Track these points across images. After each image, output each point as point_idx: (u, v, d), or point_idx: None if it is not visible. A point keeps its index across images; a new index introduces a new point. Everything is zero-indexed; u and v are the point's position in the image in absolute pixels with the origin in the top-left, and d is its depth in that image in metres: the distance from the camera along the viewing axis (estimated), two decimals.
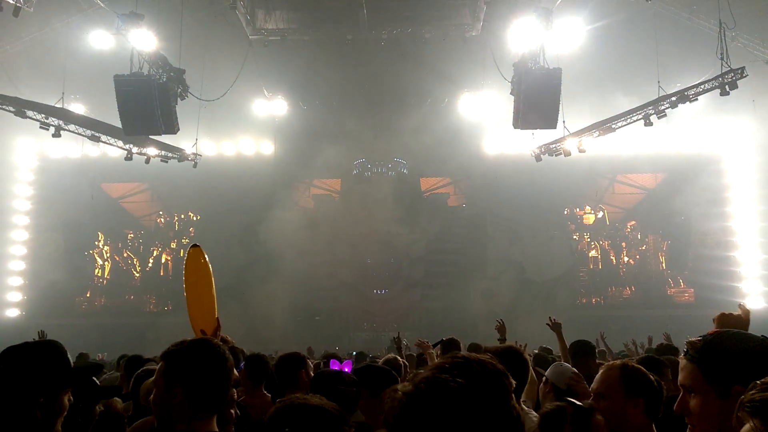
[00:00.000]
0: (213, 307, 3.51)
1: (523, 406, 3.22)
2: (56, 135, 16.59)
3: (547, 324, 6.01)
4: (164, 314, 23.66)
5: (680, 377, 1.83)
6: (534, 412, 3.16)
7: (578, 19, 14.05)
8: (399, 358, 5.48)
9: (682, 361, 1.83)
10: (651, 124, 16.03)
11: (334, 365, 3.34)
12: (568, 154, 17.76)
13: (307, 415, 1.97)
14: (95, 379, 2.46)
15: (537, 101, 13.51)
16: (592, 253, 25.63)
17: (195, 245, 3.70)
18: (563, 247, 24.14)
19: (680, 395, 1.82)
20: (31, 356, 2.03)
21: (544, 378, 3.57)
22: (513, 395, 1.32)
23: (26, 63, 17.07)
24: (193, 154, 19.59)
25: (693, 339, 1.83)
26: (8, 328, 21.23)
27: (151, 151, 18.55)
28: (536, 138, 18.64)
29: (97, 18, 14.52)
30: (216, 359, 2.11)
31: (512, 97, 14.16)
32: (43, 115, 16.10)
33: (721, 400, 1.69)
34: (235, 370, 2.22)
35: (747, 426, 1.30)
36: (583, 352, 5.20)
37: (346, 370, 3.21)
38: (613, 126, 16.90)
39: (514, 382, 1.35)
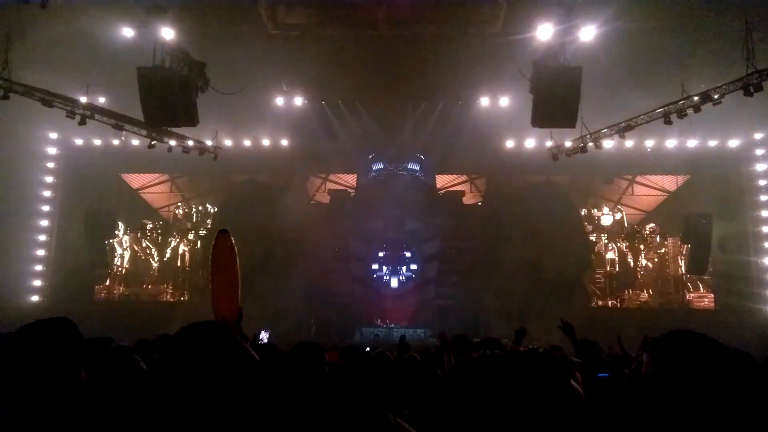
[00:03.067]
0: (237, 296, 3.46)
1: None
2: (82, 123, 17.04)
3: (559, 326, 5.94)
4: (181, 304, 23.97)
5: (644, 371, 1.91)
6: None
7: (600, 17, 13.92)
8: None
9: (647, 356, 1.92)
10: (671, 122, 15.87)
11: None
12: (584, 150, 17.66)
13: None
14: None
15: (556, 100, 13.42)
16: (610, 254, 25.42)
17: (224, 230, 3.65)
18: (580, 248, 23.96)
19: None
20: (51, 333, 2.10)
21: None
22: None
23: (51, 54, 17.29)
24: (213, 146, 19.83)
25: (655, 336, 1.97)
26: (29, 313, 21.57)
27: (173, 142, 18.87)
28: (554, 137, 18.54)
29: (121, 11, 14.67)
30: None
31: (531, 95, 14.09)
32: (69, 104, 16.51)
33: None
34: None
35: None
36: (589, 354, 5.12)
37: None
38: (633, 124, 16.76)
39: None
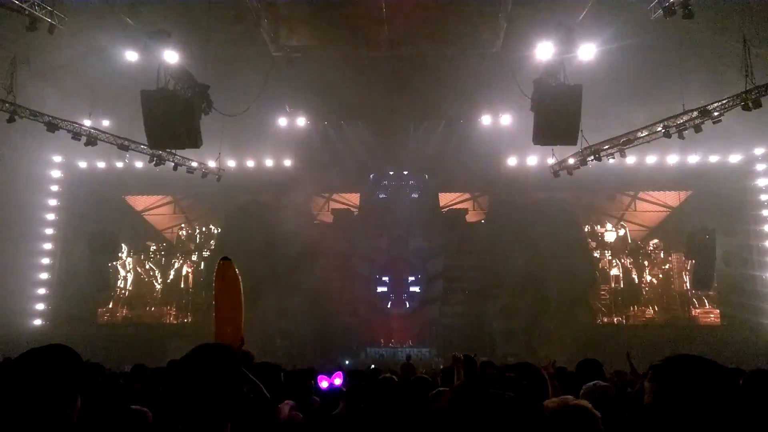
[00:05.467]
0: (240, 324, 3.45)
1: None
2: (92, 143, 17.18)
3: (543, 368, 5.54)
4: (184, 326, 23.91)
5: (648, 399, 1.86)
6: None
7: (600, 37, 14.04)
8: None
9: (649, 384, 1.87)
10: (669, 135, 15.87)
11: (322, 380, 3.37)
12: (584, 164, 17.65)
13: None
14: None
15: (557, 117, 13.49)
16: (614, 271, 25.33)
17: (226, 258, 3.62)
18: (584, 265, 23.90)
19: None
20: (49, 361, 2.08)
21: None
22: None
23: (56, 78, 17.49)
24: (217, 167, 19.94)
25: (655, 363, 1.91)
26: (32, 337, 21.53)
27: (175, 165, 18.97)
28: (556, 154, 18.59)
29: (126, 35, 14.86)
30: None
31: (532, 113, 14.17)
32: (74, 127, 16.66)
33: None
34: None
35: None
36: (591, 373, 5.01)
37: (337, 381, 3.25)
38: (632, 138, 16.73)
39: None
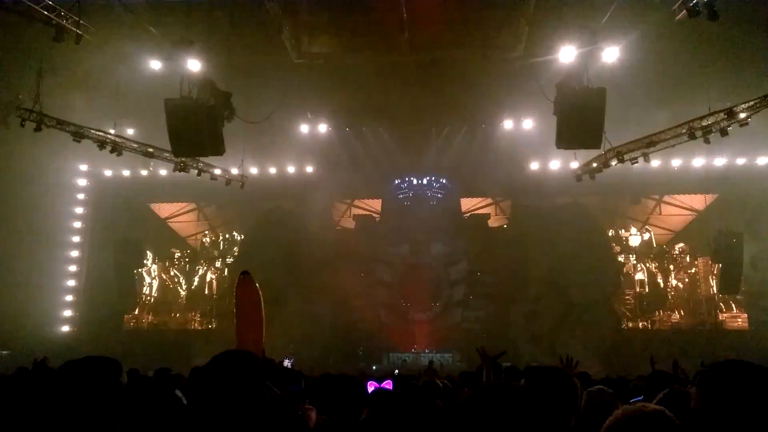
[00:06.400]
0: (261, 336, 3.48)
1: None
2: (117, 153, 17.48)
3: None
4: (209, 332, 24.11)
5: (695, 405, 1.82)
6: None
7: (623, 39, 13.90)
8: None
9: (697, 389, 1.84)
10: (695, 137, 15.59)
11: (371, 386, 3.36)
12: (607, 166, 17.41)
13: None
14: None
15: (580, 121, 13.39)
16: (639, 275, 25.00)
17: (245, 272, 3.66)
18: (608, 269, 23.63)
19: None
20: (95, 373, 2.06)
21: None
22: None
23: (81, 88, 17.78)
24: (240, 174, 20.10)
25: (703, 369, 1.90)
26: (60, 344, 21.88)
27: (198, 171, 19.17)
28: (578, 157, 18.42)
29: (150, 44, 15.07)
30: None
31: (555, 117, 14.07)
32: (100, 135, 16.94)
33: None
34: None
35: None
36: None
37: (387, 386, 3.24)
38: (656, 140, 16.44)
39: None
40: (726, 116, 14.88)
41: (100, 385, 2.02)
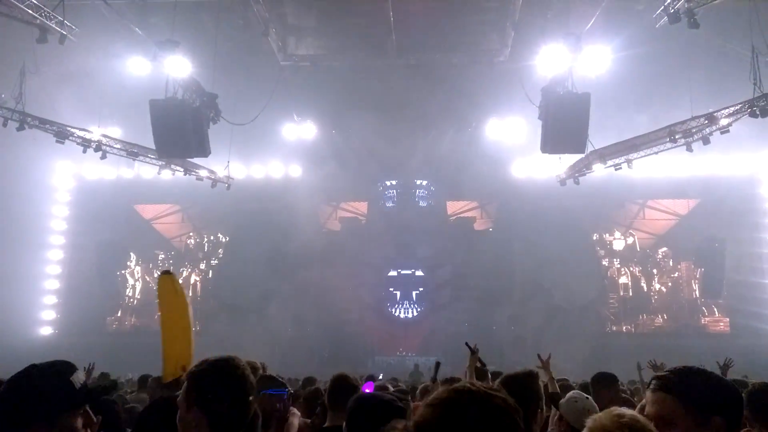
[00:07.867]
0: (189, 346, 3.22)
1: None
2: (103, 157, 17.35)
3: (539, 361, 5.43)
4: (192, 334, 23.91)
5: (655, 409, 1.83)
6: None
7: (607, 45, 14.02)
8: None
9: (655, 393, 1.85)
10: (675, 140, 15.71)
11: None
12: (589, 168, 17.52)
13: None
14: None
15: (565, 126, 13.46)
16: (623, 279, 25.20)
17: (166, 272, 3.36)
18: (592, 273, 23.78)
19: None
20: (33, 379, 2.03)
21: (557, 413, 3.32)
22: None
23: (65, 88, 17.62)
24: (226, 176, 19.99)
25: (661, 373, 1.89)
26: (42, 346, 21.63)
27: (185, 170, 19.06)
28: (562, 162, 18.53)
29: (135, 45, 14.98)
30: (236, 381, 2.15)
31: (540, 122, 14.16)
32: (84, 135, 16.77)
33: (699, 430, 1.74)
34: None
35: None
36: (605, 383, 4.98)
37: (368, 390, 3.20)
38: (638, 143, 16.56)
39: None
40: (707, 121, 15.06)
41: (49, 384, 2.00)
